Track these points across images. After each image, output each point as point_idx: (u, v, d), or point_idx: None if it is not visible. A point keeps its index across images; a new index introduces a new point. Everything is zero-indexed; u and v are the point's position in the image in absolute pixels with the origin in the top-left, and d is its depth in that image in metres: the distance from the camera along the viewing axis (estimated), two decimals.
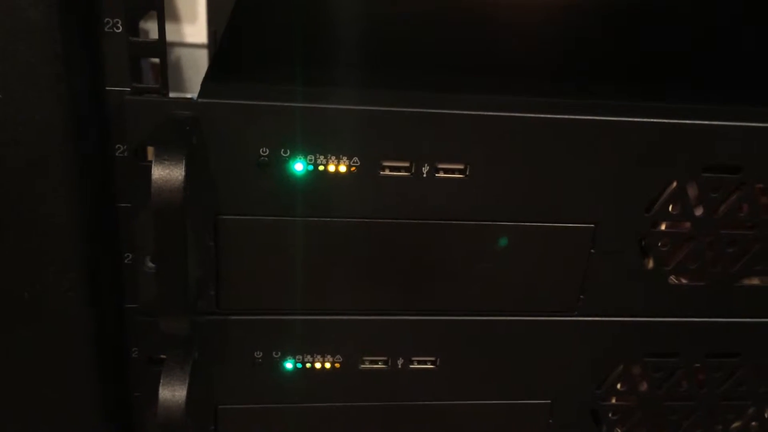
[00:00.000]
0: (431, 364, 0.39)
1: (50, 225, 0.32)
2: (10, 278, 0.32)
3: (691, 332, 0.40)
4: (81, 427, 0.36)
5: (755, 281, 0.39)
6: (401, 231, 0.35)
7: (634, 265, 0.37)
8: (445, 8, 0.53)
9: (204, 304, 0.35)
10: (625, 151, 0.35)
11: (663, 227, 0.37)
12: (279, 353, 0.37)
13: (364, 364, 0.38)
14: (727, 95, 0.40)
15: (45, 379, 0.35)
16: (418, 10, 0.52)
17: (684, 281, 0.39)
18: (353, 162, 0.33)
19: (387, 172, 0.34)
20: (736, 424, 0.44)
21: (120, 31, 0.30)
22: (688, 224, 0.37)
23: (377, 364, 0.38)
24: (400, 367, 0.39)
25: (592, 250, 0.37)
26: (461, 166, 0.34)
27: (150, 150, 0.32)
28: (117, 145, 0.32)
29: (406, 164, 0.34)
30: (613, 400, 0.42)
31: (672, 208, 0.36)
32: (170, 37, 1.05)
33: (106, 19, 0.30)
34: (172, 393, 0.33)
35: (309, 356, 0.38)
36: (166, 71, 0.31)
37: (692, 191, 0.36)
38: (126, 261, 0.35)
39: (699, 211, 0.36)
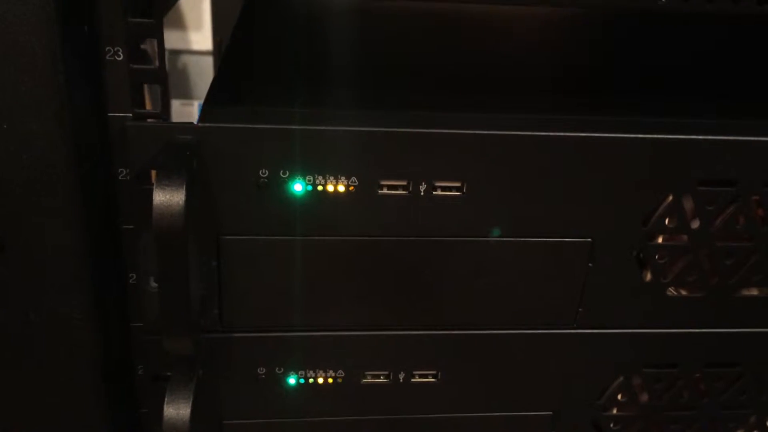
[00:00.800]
0: (432, 378, 0.39)
1: (55, 246, 0.32)
2: (15, 299, 0.33)
3: (690, 343, 0.40)
4: None
5: (753, 291, 0.39)
6: (400, 248, 0.36)
7: (632, 278, 0.38)
8: (442, 29, 0.54)
9: (208, 322, 0.36)
10: (621, 166, 0.35)
11: (660, 240, 0.37)
12: (282, 369, 0.38)
13: (366, 378, 0.39)
14: (721, 109, 0.40)
15: (51, 398, 0.35)
16: (415, 31, 0.53)
17: (682, 293, 0.39)
18: (352, 182, 0.34)
19: (385, 191, 0.34)
20: None
21: (121, 59, 0.31)
22: (684, 237, 0.37)
23: (379, 378, 0.39)
24: (401, 381, 0.39)
25: (590, 264, 0.37)
26: (458, 184, 0.34)
27: (154, 173, 0.32)
28: (120, 169, 0.33)
29: (404, 183, 0.34)
30: (615, 411, 0.42)
31: (668, 221, 0.36)
32: (177, 44, 1.07)
33: (107, 48, 0.31)
34: (177, 410, 0.33)
35: (311, 371, 0.38)
36: (168, 97, 0.32)
37: (688, 204, 0.36)
38: (131, 281, 0.36)
39: (695, 224, 0.37)
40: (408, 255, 0.36)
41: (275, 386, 0.38)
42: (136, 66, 0.31)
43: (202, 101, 0.32)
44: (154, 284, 0.35)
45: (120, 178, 0.33)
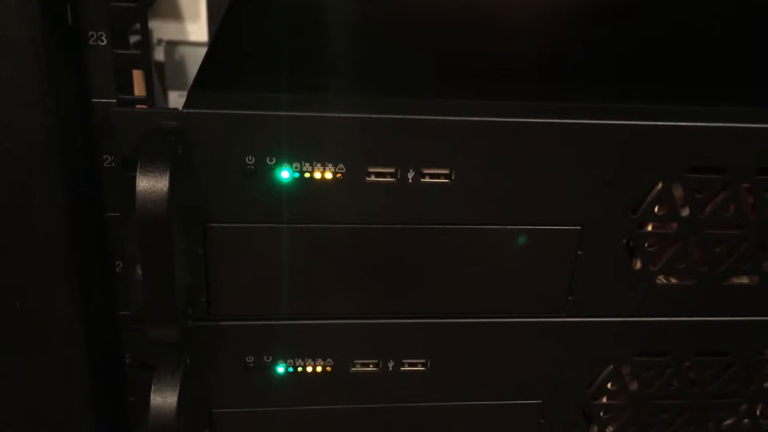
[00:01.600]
0: (422, 366, 0.39)
1: (39, 235, 0.32)
2: (1, 288, 0.33)
3: (679, 331, 0.40)
4: None
5: (744, 280, 0.39)
6: (388, 236, 0.35)
7: (621, 266, 0.38)
8: (429, 16, 0.54)
9: (195, 311, 0.36)
10: (611, 154, 0.35)
11: (650, 228, 0.37)
12: (270, 357, 0.38)
13: (355, 367, 0.39)
14: (711, 96, 0.40)
15: (37, 386, 0.35)
16: (403, 19, 0.53)
17: (672, 281, 0.39)
18: (339, 169, 0.34)
19: (373, 179, 0.34)
20: (728, 422, 0.44)
21: (104, 43, 0.30)
22: (674, 225, 0.37)
23: (368, 366, 0.39)
24: (390, 369, 0.39)
25: (580, 252, 0.37)
26: (446, 171, 0.34)
27: None
28: (105, 156, 0.33)
29: (392, 170, 0.34)
30: (604, 400, 0.42)
31: (658, 209, 0.36)
32: (173, 35, 1.06)
33: (90, 32, 0.30)
34: (164, 399, 0.33)
35: (300, 360, 0.38)
36: (152, 82, 0.31)
37: (678, 192, 0.36)
38: (117, 269, 0.35)
39: (685, 212, 0.37)
40: (396, 243, 0.36)
41: (264, 375, 0.38)
42: (119, 51, 0.30)
43: None
44: (140, 272, 0.34)
45: (105, 165, 0.33)
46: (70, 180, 0.32)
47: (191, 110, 0.32)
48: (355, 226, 0.35)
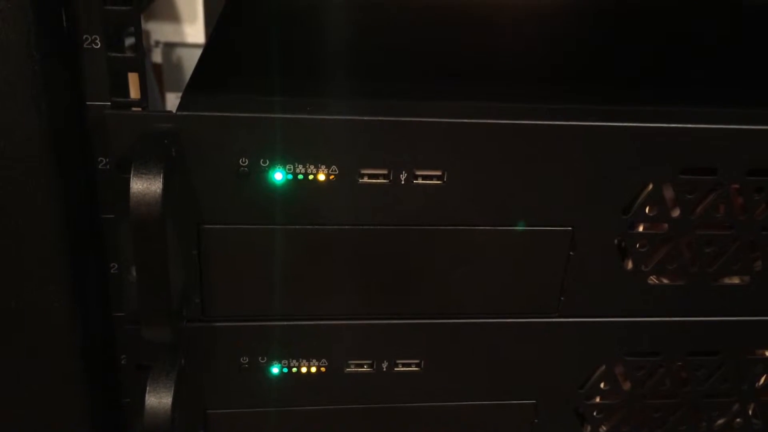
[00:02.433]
0: (416, 367, 0.39)
1: (35, 236, 0.32)
2: None
3: (671, 331, 0.40)
4: None
5: (735, 280, 0.40)
6: (381, 237, 0.36)
7: (613, 267, 0.38)
8: (423, 19, 0.54)
9: (189, 312, 0.36)
10: (602, 155, 0.35)
11: (641, 229, 0.37)
12: (265, 358, 0.38)
13: (349, 367, 0.39)
14: (701, 97, 0.40)
15: (33, 387, 0.35)
16: (397, 22, 0.53)
17: (663, 281, 0.39)
18: (332, 170, 0.34)
19: (366, 180, 0.34)
20: (720, 421, 0.44)
21: (99, 47, 0.31)
22: (665, 226, 0.37)
23: (362, 367, 0.39)
24: (385, 369, 0.39)
25: (572, 253, 0.37)
26: (438, 173, 0.35)
27: None
28: (100, 158, 0.33)
29: (384, 171, 0.34)
30: (597, 399, 0.42)
31: (649, 210, 0.37)
32: (171, 37, 1.07)
33: (85, 36, 0.30)
34: (158, 400, 0.34)
35: (295, 360, 0.38)
36: (146, 85, 0.32)
37: (668, 193, 0.36)
38: (112, 271, 0.36)
39: (676, 213, 0.37)
40: (389, 243, 0.36)
41: (259, 375, 0.38)
42: (113, 54, 0.31)
43: None
44: (135, 274, 0.34)
45: (100, 167, 0.33)
46: (65, 182, 0.32)
47: (185, 113, 0.32)
48: (348, 227, 0.35)
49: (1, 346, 0.34)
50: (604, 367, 0.41)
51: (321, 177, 0.34)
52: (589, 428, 0.43)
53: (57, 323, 0.34)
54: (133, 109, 0.32)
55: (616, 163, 0.35)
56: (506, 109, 0.35)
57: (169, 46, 1.06)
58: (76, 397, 0.36)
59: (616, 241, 0.37)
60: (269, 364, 0.38)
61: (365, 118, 0.33)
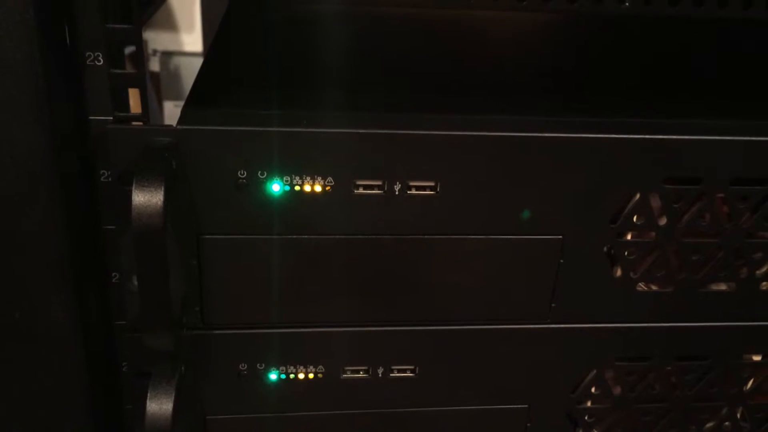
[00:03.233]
0: (410, 373, 0.40)
1: (39, 247, 0.33)
2: (1, 298, 0.34)
3: (660, 336, 0.41)
4: None
5: (721, 286, 0.40)
6: (377, 246, 0.37)
7: (602, 274, 0.39)
8: (418, 32, 0.55)
9: (189, 320, 0.37)
10: (591, 166, 0.36)
11: (629, 237, 0.38)
12: (263, 365, 0.39)
13: (345, 373, 0.40)
14: (686, 109, 0.41)
15: (36, 395, 0.36)
16: (393, 35, 0.54)
17: (652, 288, 0.40)
18: (328, 182, 0.35)
19: (361, 191, 0.35)
20: (709, 425, 0.45)
21: (101, 63, 0.32)
22: (653, 234, 0.38)
23: (358, 373, 0.40)
24: (380, 375, 0.40)
25: (562, 260, 0.38)
26: (432, 184, 0.35)
27: None
28: (102, 171, 0.34)
29: (379, 183, 0.35)
30: (589, 404, 0.43)
31: (636, 218, 0.37)
32: (169, 46, 1.07)
33: (87, 53, 0.31)
34: (159, 406, 0.34)
35: (292, 367, 0.39)
36: (147, 100, 0.33)
37: (656, 202, 0.37)
38: (113, 280, 0.36)
39: (663, 221, 0.38)
40: (384, 253, 0.37)
41: (257, 382, 0.39)
42: (115, 71, 0.32)
43: None
44: (135, 283, 0.35)
45: (102, 179, 0.34)
46: (68, 194, 0.33)
47: (185, 127, 0.33)
48: (343, 237, 0.36)
49: (4, 355, 0.35)
50: (595, 372, 0.42)
51: (317, 188, 0.35)
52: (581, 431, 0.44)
53: (59, 332, 0.35)
54: (135, 123, 0.33)
55: (605, 174, 0.36)
56: (498, 122, 0.36)
57: (167, 55, 1.07)
58: (79, 403, 0.37)
59: (605, 249, 0.38)
60: (267, 370, 0.39)
61: (360, 130, 0.34)
